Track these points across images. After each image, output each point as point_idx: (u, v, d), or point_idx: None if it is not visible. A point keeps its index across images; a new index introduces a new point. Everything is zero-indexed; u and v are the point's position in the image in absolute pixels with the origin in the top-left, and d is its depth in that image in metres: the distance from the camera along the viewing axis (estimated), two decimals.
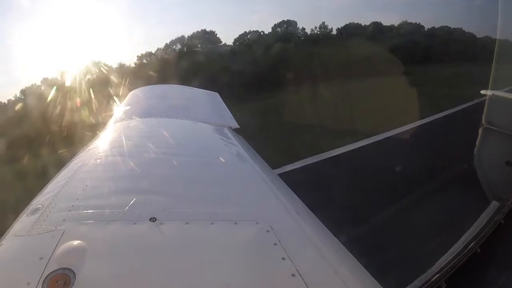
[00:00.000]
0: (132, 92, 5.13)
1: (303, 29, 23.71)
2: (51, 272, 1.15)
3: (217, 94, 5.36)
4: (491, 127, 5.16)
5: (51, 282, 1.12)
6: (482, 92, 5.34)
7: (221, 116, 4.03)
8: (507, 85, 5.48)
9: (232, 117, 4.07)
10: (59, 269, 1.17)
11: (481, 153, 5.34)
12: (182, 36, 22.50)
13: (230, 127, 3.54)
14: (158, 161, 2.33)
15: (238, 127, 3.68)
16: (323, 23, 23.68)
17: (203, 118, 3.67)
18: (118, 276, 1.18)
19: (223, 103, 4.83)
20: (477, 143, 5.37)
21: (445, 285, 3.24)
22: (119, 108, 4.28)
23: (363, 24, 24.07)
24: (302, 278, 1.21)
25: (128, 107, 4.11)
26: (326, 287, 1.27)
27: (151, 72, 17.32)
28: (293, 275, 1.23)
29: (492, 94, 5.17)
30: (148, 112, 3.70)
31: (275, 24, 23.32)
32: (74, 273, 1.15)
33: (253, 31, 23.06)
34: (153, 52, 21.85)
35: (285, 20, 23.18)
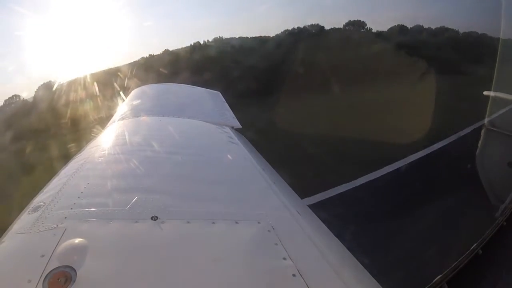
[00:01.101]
0: (135, 90, 5.12)
1: (370, 29, 23.67)
2: (52, 270, 1.15)
3: (219, 94, 5.33)
4: (493, 128, 5.15)
5: (52, 279, 1.12)
6: (485, 93, 5.33)
7: (223, 116, 4.02)
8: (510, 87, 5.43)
9: (234, 117, 4.06)
10: (60, 266, 1.17)
11: (483, 155, 5.33)
12: (298, 27, 22.57)
13: (232, 127, 3.54)
14: (160, 160, 2.34)
15: (240, 127, 3.67)
16: (398, 25, 23.60)
17: (205, 118, 3.66)
18: (119, 275, 1.18)
19: (225, 103, 4.80)
20: (479, 145, 5.35)
21: (447, 287, 3.23)
22: (121, 106, 4.28)
23: (409, 27, 23.86)
24: (303, 278, 1.21)
25: (130, 106, 4.12)
26: None
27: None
28: (294, 275, 1.23)
29: (495, 95, 5.16)
30: (151, 111, 3.70)
31: (346, 23, 23.35)
32: (75, 271, 1.16)
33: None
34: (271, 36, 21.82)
35: (355, 20, 23.19)
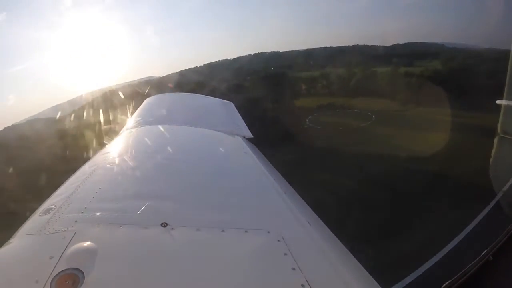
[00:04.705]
0: (148, 99, 5.14)
1: None
2: (60, 272, 1.18)
3: (232, 104, 5.33)
4: (506, 136, 5.06)
5: (60, 281, 1.14)
6: (498, 102, 5.25)
7: (235, 126, 4.03)
8: None
9: (246, 126, 4.06)
10: (68, 269, 1.19)
11: (497, 163, 5.23)
12: None
13: (244, 137, 3.55)
14: (171, 168, 2.35)
15: (252, 136, 3.66)
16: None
17: (217, 127, 3.69)
18: (127, 279, 1.20)
19: (237, 113, 4.80)
20: (492, 153, 5.26)
21: None
22: (134, 115, 4.32)
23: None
24: None
25: (143, 114, 4.16)
26: None
27: None
28: (302, 285, 1.22)
29: (508, 103, 5.08)
30: (163, 120, 3.73)
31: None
32: (83, 273, 1.18)
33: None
34: None
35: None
